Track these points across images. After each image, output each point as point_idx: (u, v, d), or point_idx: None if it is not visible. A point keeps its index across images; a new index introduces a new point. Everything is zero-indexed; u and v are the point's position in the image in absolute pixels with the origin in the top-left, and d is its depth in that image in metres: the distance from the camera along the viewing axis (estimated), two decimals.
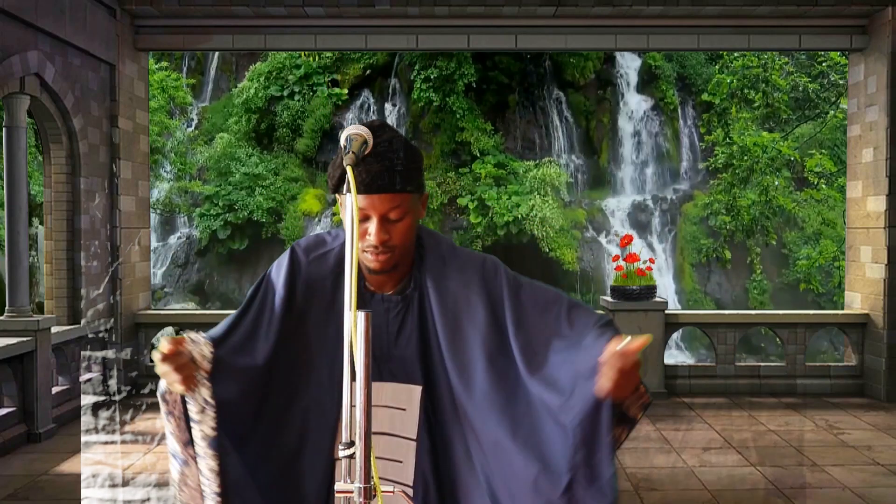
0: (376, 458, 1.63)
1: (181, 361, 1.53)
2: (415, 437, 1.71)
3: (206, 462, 1.61)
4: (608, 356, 1.45)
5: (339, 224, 1.47)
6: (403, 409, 1.73)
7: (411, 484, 1.69)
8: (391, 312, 1.74)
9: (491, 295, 1.71)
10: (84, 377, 7.11)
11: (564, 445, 1.53)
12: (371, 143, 1.53)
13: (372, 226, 1.63)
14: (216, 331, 1.69)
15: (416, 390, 1.72)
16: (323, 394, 1.70)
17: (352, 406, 1.31)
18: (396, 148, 1.62)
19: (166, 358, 1.51)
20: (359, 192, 1.58)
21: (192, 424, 1.61)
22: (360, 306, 1.68)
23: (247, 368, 1.65)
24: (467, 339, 1.67)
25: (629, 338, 1.46)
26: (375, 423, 1.69)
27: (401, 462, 1.72)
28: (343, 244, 1.75)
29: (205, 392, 1.57)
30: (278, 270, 1.76)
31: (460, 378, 1.66)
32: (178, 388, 1.55)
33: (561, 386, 1.58)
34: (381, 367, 1.72)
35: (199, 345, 1.58)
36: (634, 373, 1.45)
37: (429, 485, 1.69)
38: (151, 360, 1.55)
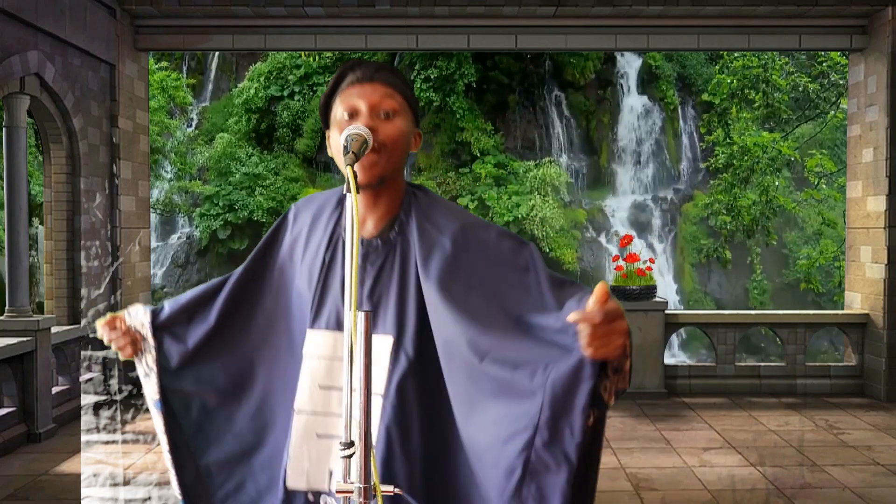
0: (333, 414, 1.58)
1: (117, 334, 1.71)
2: (382, 392, 1.55)
3: (155, 422, 1.78)
4: (581, 313, 1.26)
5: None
6: None
7: (374, 442, 1.54)
8: (370, 258, 1.60)
9: (485, 247, 1.58)
10: (84, 377, 7.11)
11: (533, 404, 1.37)
12: (371, 143, 1.48)
13: (360, 120, 1.53)
14: (182, 296, 1.80)
15: (388, 341, 1.56)
16: (281, 351, 1.71)
17: (351, 407, 1.30)
18: (391, 69, 1.62)
19: (103, 328, 1.71)
20: (351, 84, 1.57)
21: (142, 387, 1.77)
22: (334, 249, 1.66)
23: (196, 331, 1.73)
24: (473, 288, 1.53)
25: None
26: (334, 377, 1.58)
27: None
28: (333, 192, 1.75)
29: (149, 358, 1.73)
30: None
31: (450, 330, 1.50)
32: (122, 355, 1.73)
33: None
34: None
35: (138, 316, 1.74)
36: (613, 328, 1.25)
37: (393, 440, 1.53)
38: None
